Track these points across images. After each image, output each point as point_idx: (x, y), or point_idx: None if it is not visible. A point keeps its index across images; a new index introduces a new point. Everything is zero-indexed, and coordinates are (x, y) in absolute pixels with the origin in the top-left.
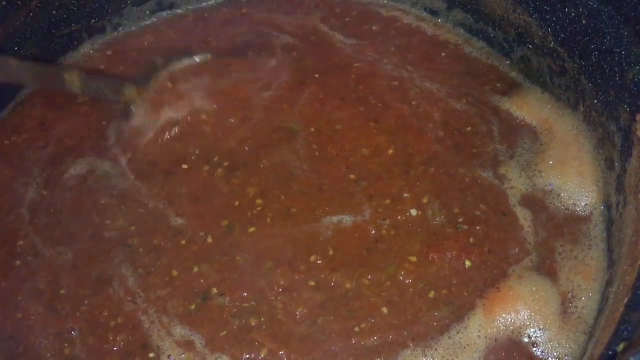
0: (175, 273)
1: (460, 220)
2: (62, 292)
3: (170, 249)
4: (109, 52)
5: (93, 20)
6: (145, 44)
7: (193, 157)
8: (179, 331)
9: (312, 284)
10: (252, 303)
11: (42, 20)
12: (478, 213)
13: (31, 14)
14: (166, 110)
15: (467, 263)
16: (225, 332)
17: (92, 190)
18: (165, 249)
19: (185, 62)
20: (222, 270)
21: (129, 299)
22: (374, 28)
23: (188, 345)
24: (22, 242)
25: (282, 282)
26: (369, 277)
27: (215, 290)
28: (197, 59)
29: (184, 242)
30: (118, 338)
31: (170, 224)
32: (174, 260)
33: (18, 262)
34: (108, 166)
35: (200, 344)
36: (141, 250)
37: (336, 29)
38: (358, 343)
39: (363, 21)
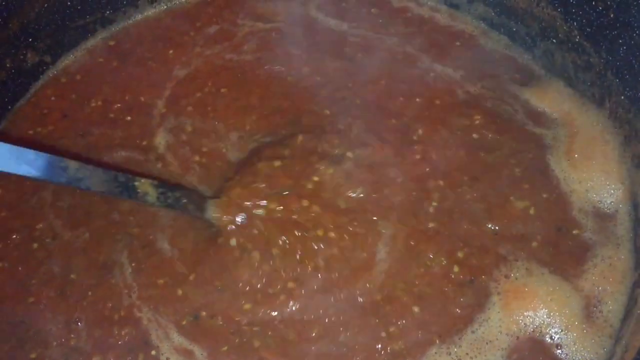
0: (161, 281)
1: None
2: (73, 276)
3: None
4: (112, 43)
5: (108, 12)
6: (156, 33)
7: None
8: (176, 338)
9: None
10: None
11: (57, 11)
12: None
13: (45, 5)
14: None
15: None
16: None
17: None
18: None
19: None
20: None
21: (126, 291)
22: (372, 11)
23: (187, 353)
24: (41, 225)
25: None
26: None
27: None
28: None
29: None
30: (123, 332)
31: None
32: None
33: (35, 245)
34: (146, 159)
35: (201, 354)
36: (135, 242)
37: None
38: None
39: (362, 5)
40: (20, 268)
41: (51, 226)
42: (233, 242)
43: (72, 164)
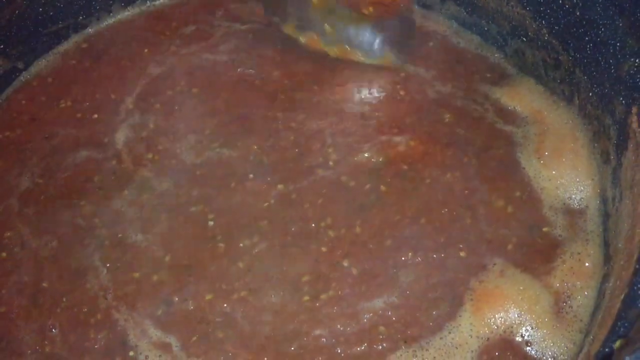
0: (137, 275)
1: None
2: (44, 284)
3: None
4: (85, 45)
5: (81, 17)
6: (130, 34)
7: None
8: (153, 332)
9: None
10: None
11: (29, 17)
12: None
13: (17, 12)
14: None
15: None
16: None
17: (86, 174)
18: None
19: None
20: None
21: (101, 293)
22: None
23: (165, 346)
24: (9, 234)
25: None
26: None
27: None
28: None
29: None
30: (99, 336)
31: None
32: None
33: (4, 254)
34: (104, 157)
35: (176, 346)
36: (106, 243)
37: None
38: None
39: None
40: None
41: (19, 234)
42: None
43: None
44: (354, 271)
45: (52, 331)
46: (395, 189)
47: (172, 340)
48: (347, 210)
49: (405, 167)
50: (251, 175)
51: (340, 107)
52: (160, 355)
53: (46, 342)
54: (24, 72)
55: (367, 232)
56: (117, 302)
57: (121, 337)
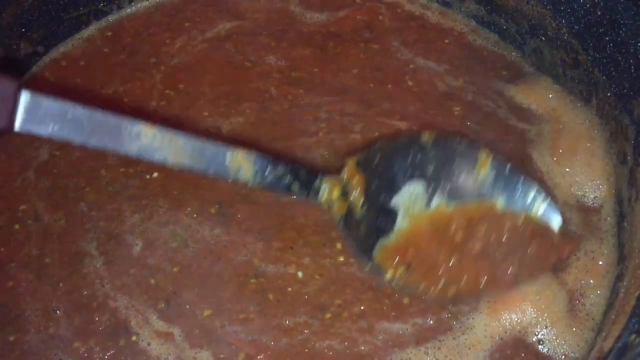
0: (133, 270)
1: None
2: (47, 260)
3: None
4: (109, 34)
5: (102, 4)
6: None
7: None
8: (156, 322)
9: None
10: None
11: (50, 2)
12: None
13: None
14: None
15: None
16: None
17: (96, 159)
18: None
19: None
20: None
21: (98, 281)
22: (357, 1)
23: (167, 336)
24: (24, 206)
25: None
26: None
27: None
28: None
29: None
30: (103, 318)
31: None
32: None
33: (17, 226)
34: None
35: (179, 336)
36: (102, 236)
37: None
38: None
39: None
40: (2, 249)
41: (34, 207)
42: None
43: (147, 130)
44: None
45: (56, 312)
46: None
47: (175, 330)
48: None
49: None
50: None
51: (342, 89)
52: (162, 344)
53: (51, 324)
54: (44, 57)
55: None
56: (115, 291)
57: (124, 322)
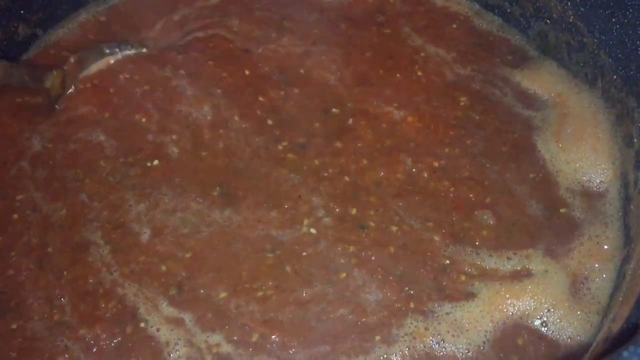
0: (142, 258)
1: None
2: (50, 249)
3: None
4: (102, 19)
5: None
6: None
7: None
8: (165, 308)
9: None
10: None
11: None
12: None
13: None
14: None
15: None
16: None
17: (93, 150)
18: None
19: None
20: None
21: (105, 269)
22: None
23: (177, 321)
24: (21, 196)
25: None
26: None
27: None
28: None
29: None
30: (110, 305)
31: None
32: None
33: (16, 216)
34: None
35: (190, 321)
36: (107, 225)
37: None
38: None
39: None
40: (0, 238)
41: (31, 198)
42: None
43: None
44: None
45: (61, 300)
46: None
47: (186, 316)
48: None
49: (384, 125)
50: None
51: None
52: (172, 329)
53: (55, 311)
54: (41, 39)
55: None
56: (123, 279)
57: (132, 309)
